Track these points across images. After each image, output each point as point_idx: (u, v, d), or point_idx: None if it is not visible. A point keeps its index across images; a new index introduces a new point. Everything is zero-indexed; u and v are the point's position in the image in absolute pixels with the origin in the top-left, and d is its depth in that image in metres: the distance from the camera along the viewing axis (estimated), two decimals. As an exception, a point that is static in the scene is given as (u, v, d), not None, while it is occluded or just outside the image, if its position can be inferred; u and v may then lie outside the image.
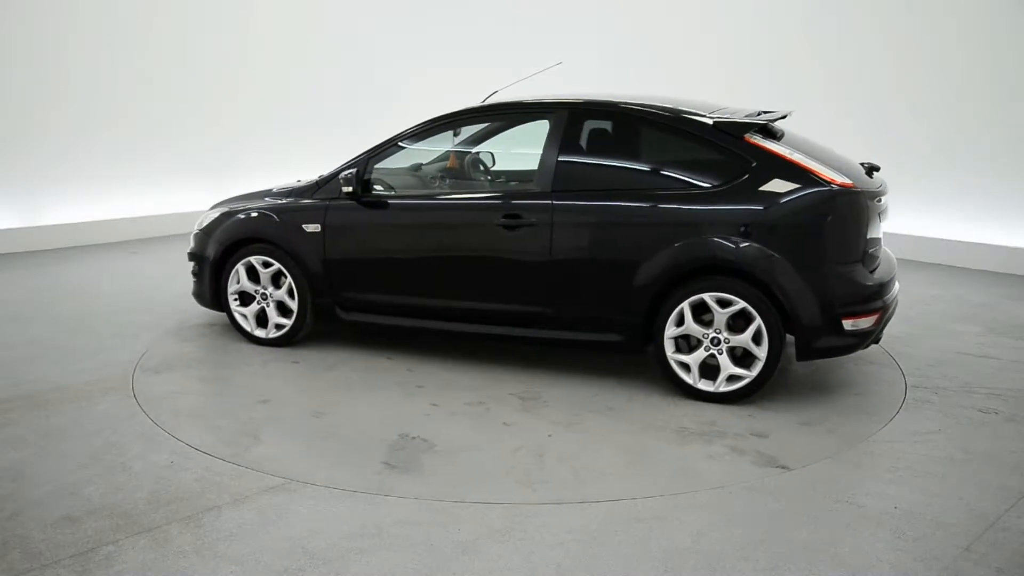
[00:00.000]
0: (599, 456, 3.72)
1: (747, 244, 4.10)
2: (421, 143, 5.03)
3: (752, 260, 4.10)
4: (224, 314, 5.34)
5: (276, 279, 5.10)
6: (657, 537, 3.05)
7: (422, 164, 5.37)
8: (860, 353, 4.62)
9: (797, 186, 4.09)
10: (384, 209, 4.86)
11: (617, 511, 3.24)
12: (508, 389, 4.49)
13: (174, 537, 3.03)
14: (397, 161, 5.06)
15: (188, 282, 5.56)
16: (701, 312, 4.23)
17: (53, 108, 8.16)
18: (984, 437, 3.93)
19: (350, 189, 4.80)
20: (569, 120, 4.56)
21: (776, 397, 4.35)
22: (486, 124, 5.26)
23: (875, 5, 7.92)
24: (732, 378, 4.21)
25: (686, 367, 4.29)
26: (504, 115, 5.21)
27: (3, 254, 7.78)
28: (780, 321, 4.12)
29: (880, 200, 4.34)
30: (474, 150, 5.32)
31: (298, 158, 9.59)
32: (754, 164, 4.17)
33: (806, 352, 4.21)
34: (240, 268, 5.15)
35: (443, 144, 5.27)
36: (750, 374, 4.18)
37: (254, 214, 5.16)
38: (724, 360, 4.20)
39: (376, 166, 4.91)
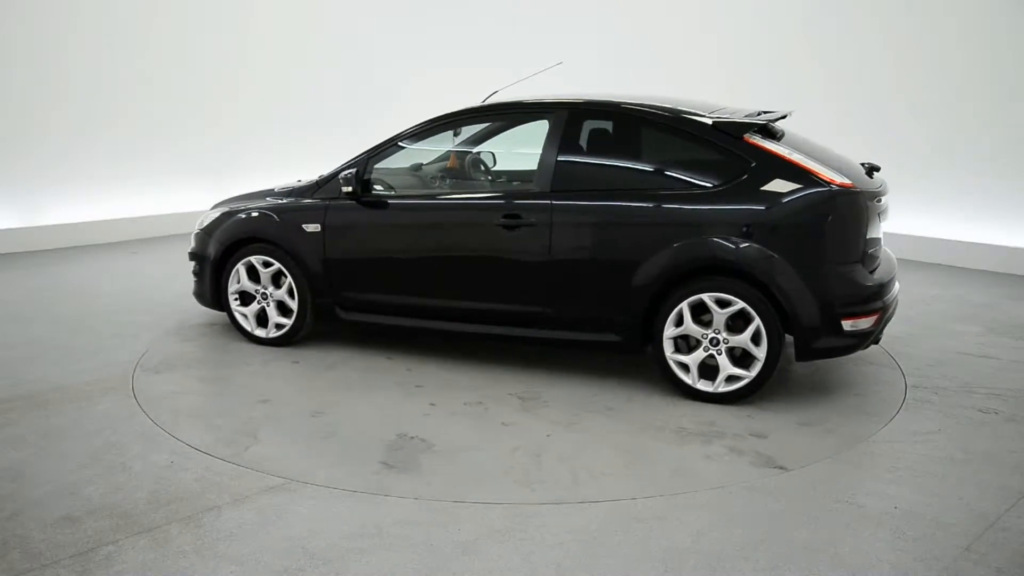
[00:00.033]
0: (598, 456, 3.72)
1: (747, 244, 4.10)
2: (421, 143, 5.03)
3: (752, 260, 4.10)
4: (224, 314, 5.35)
5: (276, 279, 5.11)
6: (657, 537, 3.05)
7: (422, 164, 5.37)
8: (860, 353, 4.62)
9: (797, 186, 4.09)
10: (384, 209, 4.86)
11: (617, 511, 3.24)
12: (507, 389, 4.50)
13: (174, 537, 3.04)
14: (397, 161, 5.06)
15: (188, 282, 5.57)
16: (700, 312, 4.23)
17: (53, 108, 8.16)
18: (984, 437, 3.93)
19: (350, 189, 4.81)
20: (569, 120, 4.57)
21: (775, 397, 4.35)
22: (486, 124, 5.27)
23: (875, 5, 7.92)
24: (731, 378, 4.21)
25: (685, 367, 4.29)
26: (504, 115, 5.22)
27: (3, 254, 7.78)
28: (779, 321, 4.12)
29: (880, 200, 4.34)
30: (474, 150, 5.32)
31: (298, 158, 9.60)
32: (754, 164, 4.17)
33: (805, 352, 4.21)
34: (240, 268, 5.15)
35: (443, 144, 5.28)
36: (749, 374, 4.18)
37: (254, 214, 5.17)
38: (723, 360, 4.20)
39: (376, 166, 4.92)
